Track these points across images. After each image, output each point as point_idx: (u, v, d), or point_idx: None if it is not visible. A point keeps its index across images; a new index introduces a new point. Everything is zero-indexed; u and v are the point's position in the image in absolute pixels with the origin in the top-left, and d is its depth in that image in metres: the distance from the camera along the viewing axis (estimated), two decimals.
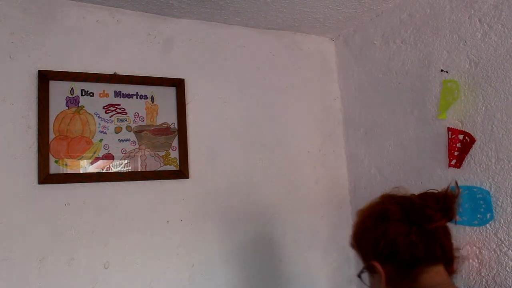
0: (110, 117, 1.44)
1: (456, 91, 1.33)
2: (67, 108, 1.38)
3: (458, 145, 1.34)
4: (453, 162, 1.35)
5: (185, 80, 1.56)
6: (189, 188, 1.52)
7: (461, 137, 1.33)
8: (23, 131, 1.31)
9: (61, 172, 1.34)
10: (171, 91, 1.54)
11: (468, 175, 1.32)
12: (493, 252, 1.23)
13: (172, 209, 1.48)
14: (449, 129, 1.36)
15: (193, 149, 1.54)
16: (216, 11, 1.57)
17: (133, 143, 1.46)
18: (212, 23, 1.67)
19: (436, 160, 1.42)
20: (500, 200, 1.22)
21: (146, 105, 1.50)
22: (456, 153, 1.35)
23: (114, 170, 1.42)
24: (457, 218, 0.84)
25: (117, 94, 1.46)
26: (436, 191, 0.85)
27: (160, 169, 1.48)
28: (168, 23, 1.59)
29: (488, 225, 1.25)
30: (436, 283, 0.80)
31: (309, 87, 1.83)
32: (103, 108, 1.43)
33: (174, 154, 1.51)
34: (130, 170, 1.44)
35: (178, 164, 1.51)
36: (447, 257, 0.83)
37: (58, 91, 1.37)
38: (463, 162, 1.33)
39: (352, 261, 1.72)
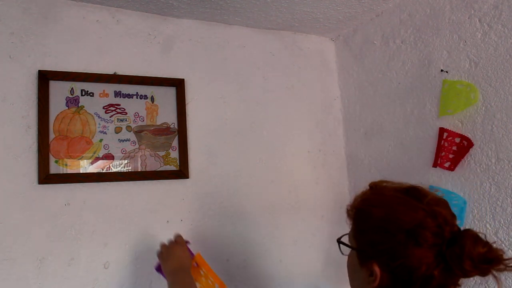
0: (110, 117, 1.44)
1: (473, 94, 1.29)
2: (67, 108, 1.38)
3: (454, 148, 1.34)
4: (446, 165, 1.36)
5: (185, 80, 1.56)
6: (189, 188, 1.52)
7: (457, 140, 1.33)
8: (23, 131, 1.31)
9: (61, 172, 1.34)
10: (171, 91, 1.54)
11: (461, 179, 1.33)
12: None
13: (172, 209, 1.48)
14: (443, 130, 1.37)
15: (193, 149, 1.54)
16: (216, 11, 1.57)
17: (133, 143, 1.46)
18: (212, 23, 1.67)
19: None
20: (500, 200, 1.22)
21: (146, 105, 1.50)
22: (451, 156, 1.35)
23: (114, 170, 1.41)
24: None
25: (117, 94, 1.46)
26: (479, 235, 0.70)
27: (160, 169, 1.48)
28: (168, 23, 1.59)
29: (488, 225, 1.25)
30: None
31: (309, 87, 1.83)
32: (103, 108, 1.43)
33: (174, 154, 1.51)
34: (130, 170, 1.44)
35: (178, 164, 1.51)
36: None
37: (58, 91, 1.37)
38: (458, 165, 1.33)
39: None
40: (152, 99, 1.51)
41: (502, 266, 0.66)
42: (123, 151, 1.44)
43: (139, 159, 1.46)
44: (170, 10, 1.54)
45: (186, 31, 1.61)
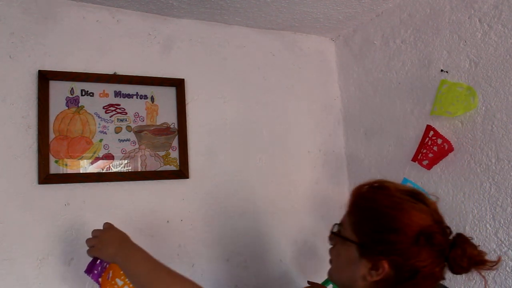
0: (110, 117, 1.44)
1: (473, 98, 1.29)
2: (67, 108, 1.38)
3: (435, 148, 1.35)
4: (424, 163, 1.40)
5: (185, 80, 1.56)
6: (189, 188, 1.52)
7: (439, 141, 1.34)
8: (23, 131, 1.31)
9: (61, 172, 1.34)
10: (171, 91, 1.54)
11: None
12: (493, 252, 1.23)
13: (172, 209, 1.48)
14: (430, 128, 1.38)
15: (193, 149, 1.54)
16: (216, 11, 1.57)
17: (133, 143, 1.46)
18: (212, 23, 1.67)
19: None
20: (500, 200, 1.22)
21: (146, 105, 1.50)
22: (430, 155, 1.37)
23: (114, 170, 1.41)
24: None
25: (117, 94, 1.46)
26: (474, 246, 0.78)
27: (160, 169, 1.48)
28: (168, 23, 1.59)
29: (488, 225, 1.25)
30: None
31: (309, 87, 1.83)
32: (103, 108, 1.43)
33: (174, 154, 1.51)
34: (130, 170, 1.44)
35: (178, 164, 1.51)
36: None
37: (58, 91, 1.37)
38: (434, 166, 1.39)
39: None
40: (152, 99, 1.51)
41: (486, 266, 0.77)
42: (123, 151, 1.44)
43: (139, 159, 1.46)
44: (170, 10, 1.54)
45: (186, 31, 1.61)
